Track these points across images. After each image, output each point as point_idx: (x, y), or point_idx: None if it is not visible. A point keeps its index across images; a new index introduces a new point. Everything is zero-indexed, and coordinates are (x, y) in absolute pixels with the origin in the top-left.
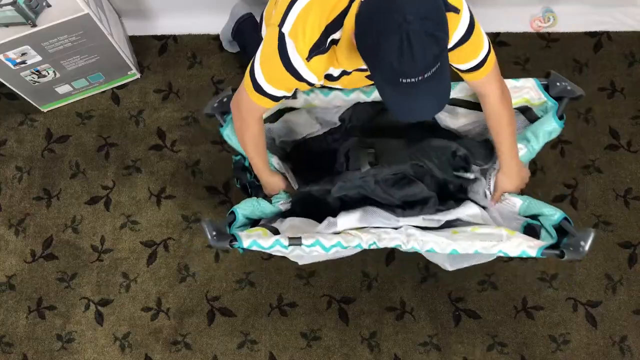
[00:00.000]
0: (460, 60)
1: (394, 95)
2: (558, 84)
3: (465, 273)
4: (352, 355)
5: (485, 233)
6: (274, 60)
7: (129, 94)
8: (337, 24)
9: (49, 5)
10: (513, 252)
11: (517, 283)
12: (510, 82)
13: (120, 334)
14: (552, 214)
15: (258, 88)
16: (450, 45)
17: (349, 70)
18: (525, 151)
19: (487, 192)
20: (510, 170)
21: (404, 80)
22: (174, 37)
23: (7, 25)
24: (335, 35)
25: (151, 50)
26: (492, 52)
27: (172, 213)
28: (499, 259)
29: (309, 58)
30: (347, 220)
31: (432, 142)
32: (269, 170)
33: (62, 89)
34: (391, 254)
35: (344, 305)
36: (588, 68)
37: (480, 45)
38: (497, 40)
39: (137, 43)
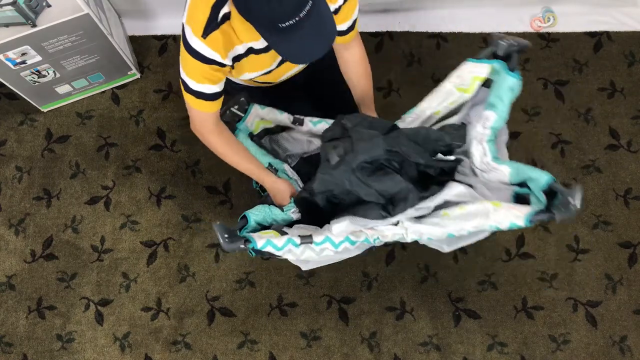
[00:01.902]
0: (339, 21)
1: (281, 42)
2: (501, 42)
3: (465, 273)
4: (352, 355)
5: (471, 212)
6: (184, 53)
7: (129, 94)
8: None
9: (49, 5)
10: (503, 224)
11: (517, 283)
12: (452, 80)
13: (120, 334)
14: (539, 177)
15: (187, 88)
16: (337, 5)
17: (249, 43)
18: (496, 117)
19: (475, 169)
20: (372, 105)
21: (283, 25)
22: (174, 37)
23: (7, 25)
24: (225, 9)
25: (151, 50)
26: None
27: (172, 213)
28: (499, 259)
29: (204, 35)
30: (339, 226)
31: (403, 131)
32: (272, 176)
33: (62, 89)
34: (391, 254)
35: (344, 305)
36: (588, 68)
37: (355, 5)
38: None
39: (137, 43)
